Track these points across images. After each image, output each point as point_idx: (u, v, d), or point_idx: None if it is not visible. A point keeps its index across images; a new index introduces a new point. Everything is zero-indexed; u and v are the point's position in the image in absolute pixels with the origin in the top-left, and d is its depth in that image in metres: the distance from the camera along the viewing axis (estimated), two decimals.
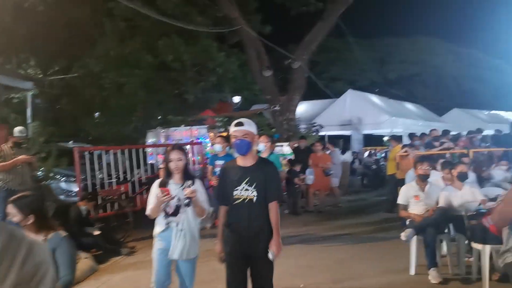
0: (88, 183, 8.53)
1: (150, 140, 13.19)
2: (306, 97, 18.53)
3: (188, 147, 10.75)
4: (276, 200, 3.58)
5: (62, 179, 9.59)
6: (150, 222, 4.02)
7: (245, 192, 3.48)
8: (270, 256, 3.48)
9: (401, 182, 8.10)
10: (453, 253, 5.75)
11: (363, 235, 8.27)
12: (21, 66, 15.67)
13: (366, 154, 20.06)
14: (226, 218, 3.60)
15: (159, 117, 16.64)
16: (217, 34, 17.19)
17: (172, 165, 3.85)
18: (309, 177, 10.84)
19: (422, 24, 34.41)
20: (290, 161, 11.23)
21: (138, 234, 7.81)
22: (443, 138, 10.62)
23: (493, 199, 5.51)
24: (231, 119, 3.79)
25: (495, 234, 4.47)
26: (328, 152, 12.38)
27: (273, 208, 3.53)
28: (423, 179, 5.87)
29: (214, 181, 7.24)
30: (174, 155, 3.86)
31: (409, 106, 21.43)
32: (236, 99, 20.13)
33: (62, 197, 9.47)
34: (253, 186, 3.47)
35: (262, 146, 7.04)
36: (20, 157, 6.82)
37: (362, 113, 17.20)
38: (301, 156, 11.30)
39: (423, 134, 11.51)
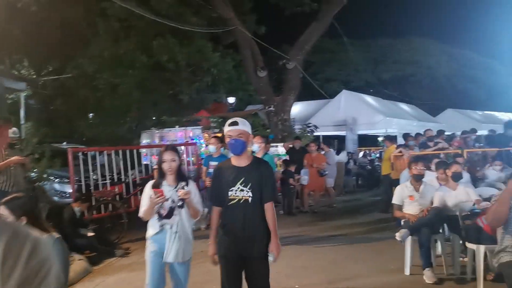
0: (82, 184, 8.48)
1: (144, 140, 13.15)
2: (301, 97, 18.54)
3: (182, 147, 10.73)
4: (272, 201, 3.54)
5: (56, 180, 9.54)
6: (145, 224, 3.95)
7: (240, 192, 3.43)
8: (270, 258, 3.46)
9: (396, 182, 8.12)
10: (448, 253, 5.76)
11: (358, 235, 8.28)
12: (15, 67, 15.59)
13: (361, 154, 20.09)
14: (220, 219, 3.55)
15: (153, 118, 16.59)
16: (212, 34, 17.17)
17: (165, 166, 3.78)
18: (304, 177, 10.84)
19: (416, 25, 34.52)
20: (285, 161, 11.23)
21: (132, 235, 7.77)
22: (438, 138, 10.65)
23: (487, 199, 5.51)
24: (225, 120, 3.71)
25: (490, 234, 4.48)
26: (323, 152, 12.39)
27: (270, 209, 3.49)
28: (417, 179, 5.87)
29: (208, 182, 7.21)
30: (168, 156, 3.79)
31: (404, 106, 21.48)
32: (231, 99, 20.10)
33: (55, 198, 9.42)
34: (248, 187, 3.42)
35: (256, 146, 7.02)
36: (13, 158, 6.75)
37: (356, 114, 17.23)
38: (296, 157, 11.29)
39: (417, 134, 11.53)
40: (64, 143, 12.57)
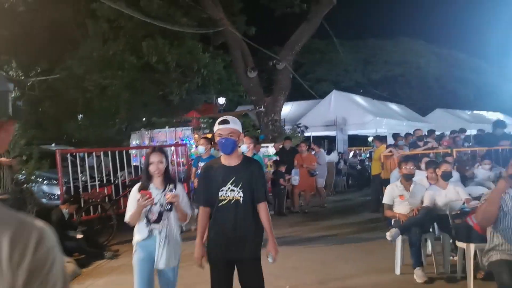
0: (70, 186, 8.40)
1: (133, 142, 13.07)
2: (291, 98, 18.56)
3: (172, 148, 10.67)
4: (266, 201, 3.49)
5: (44, 182, 9.45)
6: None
7: (231, 193, 3.34)
8: (269, 259, 3.42)
9: (386, 182, 8.13)
10: (438, 252, 5.78)
11: (349, 235, 8.28)
12: (2, 68, 15.43)
13: (351, 154, 20.14)
14: (210, 221, 3.46)
15: (143, 119, 16.51)
16: (202, 35, 17.14)
17: (152, 168, 3.66)
18: (295, 177, 10.83)
19: (405, 26, 34.85)
20: (275, 162, 11.21)
21: (121, 237, 7.70)
22: (429, 138, 10.70)
23: (477, 198, 5.53)
24: (216, 121, 3.62)
25: (480, 233, 4.50)
26: (313, 152, 12.39)
27: (263, 209, 3.44)
28: (407, 178, 5.88)
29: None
30: (155, 158, 3.67)
31: (393, 106, 21.58)
32: (221, 100, 20.07)
33: (44, 200, 9.33)
34: (239, 187, 3.34)
35: (244, 147, 6.99)
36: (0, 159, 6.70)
37: (346, 114, 17.27)
38: (286, 157, 11.28)
39: (407, 134, 11.57)
40: (53, 144, 12.45)
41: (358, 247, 7.31)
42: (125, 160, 9.33)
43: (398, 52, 33.83)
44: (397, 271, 5.69)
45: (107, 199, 8.64)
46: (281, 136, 15.11)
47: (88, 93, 15.26)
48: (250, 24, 18.15)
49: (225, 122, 3.35)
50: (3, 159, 6.74)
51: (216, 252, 3.40)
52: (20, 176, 8.39)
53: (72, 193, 8.14)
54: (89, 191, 8.61)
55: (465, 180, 7.92)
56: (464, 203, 5.53)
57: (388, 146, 10.41)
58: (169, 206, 3.64)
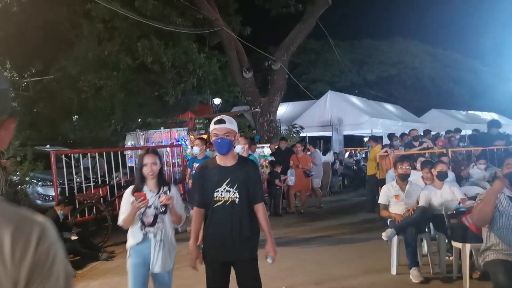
0: (65, 187, 8.36)
1: (129, 142, 13.03)
2: (287, 98, 18.56)
3: (168, 149, 10.64)
4: (263, 201, 3.45)
5: (39, 183, 9.40)
6: None
7: (226, 193, 3.28)
8: (269, 260, 3.39)
9: (382, 182, 8.13)
10: (434, 252, 5.78)
11: (344, 236, 8.28)
12: None
13: (347, 155, 20.16)
14: (205, 222, 3.40)
15: (139, 120, 16.47)
16: (198, 36, 17.12)
17: (146, 170, 3.58)
18: (291, 178, 10.82)
19: (401, 26, 34.93)
20: (271, 162, 11.20)
21: (117, 238, 7.66)
22: (425, 138, 10.72)
23: (472, 198, 5.53)
24: (211, 121, 3.53)
25: (475, 232, 4.50)
26: (309, 153, 12.39)
27: (261, 209, 3.40)
28: (403, 178, 5.88)
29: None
30: (149, 159, 3.59)
31: (388, 106, 21.62)
32: (217, 101, 20.05)
33: (38, 201, 9.28)
34: (234, 187, 3.28)
35: (239, 148, 6.96)
36: None
37: (342, 114, 17.29)
38: (282, 158, 11.27)
39: (403, 134, 11.58)
40: (48, 145, 12.40)
41: (354, 247, 7.30)
42: (120, 161, 9.28)
43: (393, 53, 33.95)
44: (393, 271, 5.68)
45: (102, 200, 8.60)
46: (276, 136, 15.11)
47: (83, 94, 15.22)
48: (245, 25, 18.13)
49: (221, 121, 3.30)
50: None
51: (212, 253, 3.36)
52: (15, 177, 8.36)
53: (67, 194, 8.09)
54: (84, 192, 8.57)
55: (460, 180, 7.93)
56: (459, 203, 5.53)
57: (383, 147, 10.41)
58: (163, 209, 3.58)
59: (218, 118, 3.35)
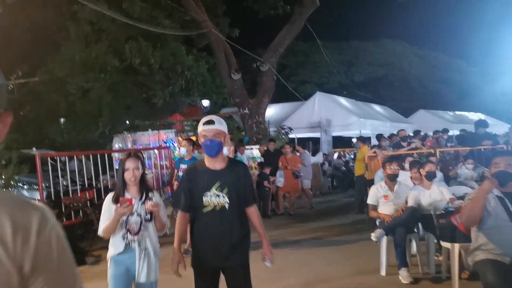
0: (51, 191, 8.24)
1: (116, 145, 12.91)
2: (275, 100, 18.55)
3: (156, 151, 10.56)
4: (255, 204, 3.37)
5: (24, 187, 9.27)
6: None
7: (216, 198, 3.14)
8: (267, 263, 3.31)
9: (371, 182, 8.13)
10: (423, 252, 5.78)
11: (334, 237, 8.26)
12: None
13: (336, 156, 20.21)
14: (193, 227, 3.27)
15: (127, 122, 16.34)
16: (186, 37, 17.05)
17: (128, 175, 3.39)
18: (280, 179, 10.80)
19: (388, 28, 35.06)
20: (260, 164, 11.17)
21: (104, 242, 7.47)
22: (415, 139, 10.76)
23: (461, 198, 5.54)
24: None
25: (464, 232, 4.49)
26: (298, 154, 12.39)
27: (254, 212, 3.32)
28: (392, 179, 5.88)
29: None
30: (131, 164, 3.40)
31: (377, 107, 21.71)
32: (205, 102, 19.98)
33: None
34: (224, 192, 3.15)
35: (224, 149, 6.91)
36: None
37: (330, 115, 17.32)
38: (271, 159, 11.25)
39: (392, 135, 11.62)
40: (34, 149, 12.24)
41: (343, 248, 7.30)
42: (107, 164, 9.18)
43: (381, 54, 34.15)
44: (383, 272, 5.67)
45: (89, 204, 8.49)
46: (265, 138, 15.10)
47: (70, 96, 15.07)
48: (233, 26, 18.10)
49: (210, 122, 3.16)
50: None
51: (200, 260, 3.25)
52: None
53: (53, 198, 7.98)
54: (71, 195, 8.45)
55: (449, 180, 7.96)
56: (448, 203, 5.54)
57: (372, 147, 10.43)
58: (149, 216, 3.42)
59: (207, 119, 3.21)
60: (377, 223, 5.91)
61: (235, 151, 11.10)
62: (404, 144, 10.24)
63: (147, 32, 14.29)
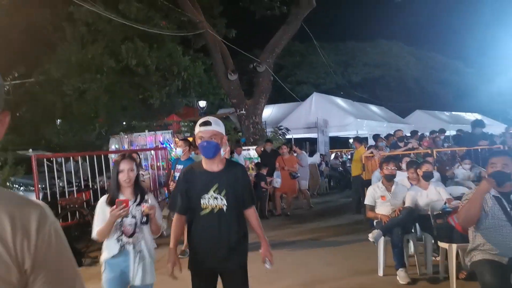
0: (47, 192, 8.20)
1: (113, 146, 12.86)
2: (272, 100, 18.55)
3: (152, 152, 10.53)
4: (254, 205, 3.33)
5: (20, 188, 9.23)
6: None
7: (214, 201, 3.10)
8: (267, 266, 3.28)
9: (368, 183, 8.13)
10: (420, 253, 5.77)
11: (331, 237, 8.25)
12: None
13: (333, 156, 20.21)
14: (191, 229, 3.23)
15: (123, 123, 16.30)
16: (182, 38, 17.02)
17: (122, 177, 3.35)
18: (277, 180, 10.79)
19: (384, 28, 35.13)
20: (257, 164, 11.16)
21: (100, 243, 7.51)
22: (412, 139, 10.77)
23: (458, 198, 5.55)
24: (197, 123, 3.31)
25: (461, 232, 4.49)
26: (295, 155, 12.38)
27: (253, 214, 3.29)
28: (389, 179, 5.87)
29: (172, 187, 6.96)
30: (125, 165, 3.36)
31: (373, 108, 21.73)
32: (202, 103, 19.96)
33: None
34: (222, 194, 3.10)
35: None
36: None
37: (327, 116, 17.31)
38: (268, 160, 11.23)
39: (389, 135, 11.62)
40: (30, 150, 12.20)
41: (340, 249, 7.29)
42: (104, 165, 9.15)
43: (377, 54, 34.18)
44: (380, 272, 5.67)
45: (85, 205, 8.45)
46: (262, 138, 15.07)
47: (67, 97, 15.02)
48: (230, 27, 18.09)
49: (207, 123, 3.10)
50: None
51: (198, 263, 3.22)
52: None
53: (49, 199, 7.94)
54: (67, 196, 8.42)
55: (445, 180, 7.97)
56: (445, 203, 5.54)
57: (369, 147, 10.43)
58: (145, 219, 3.38)
59: (204, 120, 3.15)
60: (375, 223, 5.90)
61: (232, 152, 11.10)
62: (401, 144, 10.25)
63: (144, 33, 14.26)
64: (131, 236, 3.34)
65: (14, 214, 1.00)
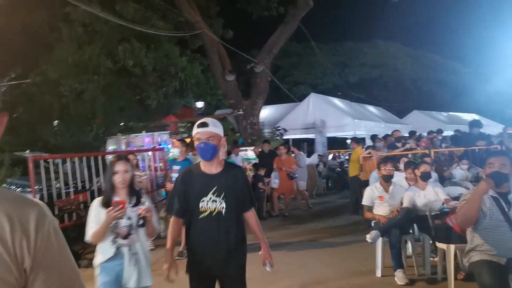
0: (44, 193, 8.17)
1: (110, 147, 12.84)
2: (270, 101, 18.54)
3: (150, 153, 10.50)
4: (253, 207, 3.30)
5: (17, 190, 9.18)
6: None
7: (212, 204, 3.05)
8: (267, 268, 3.27)
9: (365, 183, 8.12)
10: (418, 254, 5.77)
11: (329, 238, 8.24)
12: None
13: (331, 157, 20.21)
14: (189, 233, 3.18)
15: (121, 124, 16.26)
16: (179, 39, 16.99)
17: (117, 178, 3.32)
18: (275, 180, 10.78)
19: (381, 29, 35.18)
20: (254, 165, 11.15)
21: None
22: (410, 139, 10.76)
23: (456, 198, 5.54)
24: (194, 125, 3.26)
25: (459, 233, 4.47)
26: (293, 155, 12.37)
27: (252, 216, 3.27)
28: (387, 179, 5.86)
29: (169, 188, 6.91)
30: (120, 166, 3.34)
31: (371, 108, 21.73)
32: (199, 104, 19.94)
33: None
34: (221, 197, 3.06)
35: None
36: None
37: (325, 116, 17.32)
38: (266, 160, 11.22)
39: (387, 136, 11.62)
40: (27, 151, 12.16)
41: (338, 250, 7.28)
42: (101, 166, 9.11)
43: (374, 55, 34.21)
44: (378, 273, 5.66)
45: (82, 206, 8.41)
46: (260, 139, 15.07)
47: (64, 98, 14.97)
48: (227, 27, 18.08)
49: (204, 125, 3.05)
50: None
51: (196, 266, 3.18)
52: None
53: (46, 201, 7.90)
54: (64, 198, 8.38)
55: (443, 180, 7.96)
56: (443, 204, 5.53)
57: (366, 148, 10.43)
58: (141, 221, 3.34)
59: (201, 121, 3.10)
60: (373, 224, 5.89)
61: (229, 153, 11.09)
62: (399, 144, 10.24)
63: (141, 34, 14.22)
64: (126, 237, 3.29)
65: (12, 214, 0.99)
